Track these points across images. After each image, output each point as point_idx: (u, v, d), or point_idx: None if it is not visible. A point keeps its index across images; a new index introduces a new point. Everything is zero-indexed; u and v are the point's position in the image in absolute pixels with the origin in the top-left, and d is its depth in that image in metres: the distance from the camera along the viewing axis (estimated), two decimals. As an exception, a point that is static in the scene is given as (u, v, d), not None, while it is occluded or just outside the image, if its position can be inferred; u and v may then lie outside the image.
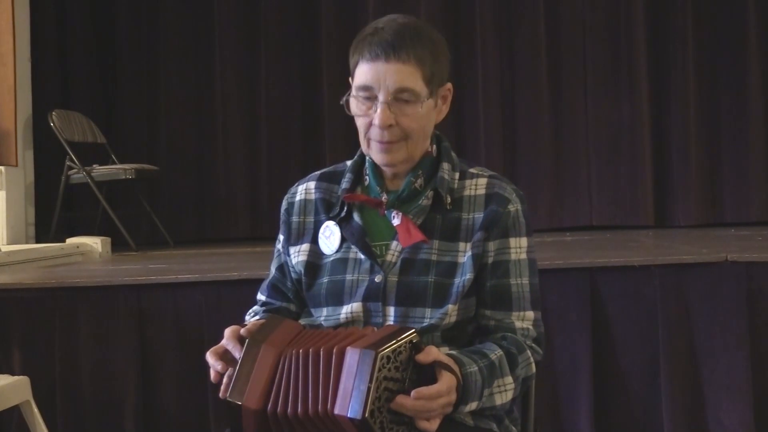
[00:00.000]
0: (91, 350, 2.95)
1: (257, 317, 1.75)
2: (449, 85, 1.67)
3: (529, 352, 1.63)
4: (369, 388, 1.34)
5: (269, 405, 1.43)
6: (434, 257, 1.62)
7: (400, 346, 1.40)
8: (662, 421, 2.87)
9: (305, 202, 1.75)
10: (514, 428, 1.69)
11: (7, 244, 4.65)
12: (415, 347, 1.42)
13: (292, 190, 1.79)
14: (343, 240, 1.67)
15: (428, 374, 1.42)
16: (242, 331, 1.54)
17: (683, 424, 2.86)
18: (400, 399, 1.38)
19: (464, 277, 1.61)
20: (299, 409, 1.40)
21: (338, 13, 5.79)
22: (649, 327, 2.91)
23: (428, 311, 1.60)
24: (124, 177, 4.91)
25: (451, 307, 1.60)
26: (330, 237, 1.69)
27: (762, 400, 2.88)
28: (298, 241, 1.73)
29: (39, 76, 5.23)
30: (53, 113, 4.97)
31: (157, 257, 4.29)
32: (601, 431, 2.91)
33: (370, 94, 1.58)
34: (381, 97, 1.56)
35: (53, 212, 4.99)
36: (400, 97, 1.57)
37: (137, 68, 5.83)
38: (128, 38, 5.83)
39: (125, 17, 5.83)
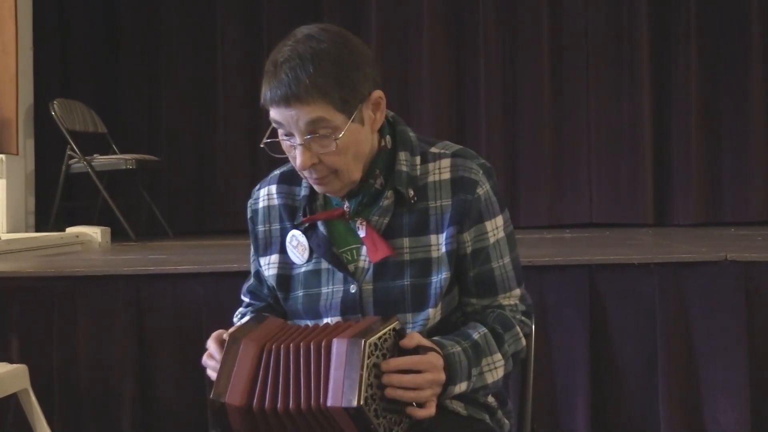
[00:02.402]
0: (89, 340, 2.95)
1: (246, 318, 1.73)
2: (378, 94, 1.53)
3: (517, 328, 1.62)
4: (361, 377, 1.34)
5: (254, 401, 1.42)
6: (407, 257, 1.57)
7: (385, 334, 1.40)
8: (659, 419, 2.87)
9: (268, 208, 1.69)
10: (506, 421, 1.68)
11: (7, 232, 4.65)
12: (399, 334, 1.43)
13: (254, 195, 1.72)
14: (312, 250, 1.62)
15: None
16: (225, 334, 1.52)
17: (680, 423, 2.87)
18: (387, 378, 1.38)
19: (441, 275, 1.56)
20: (290, 404, 1.40)
21: (340, 3, 5.79)
22: (647, 325, 2.91)
23: (409, 315, 1.57)
24: (124, 167, 4.91)
25: (432, 311, 1.57)
26: (297, 247, 1.63)
27: (759, 399, 2.88)
28: (266, 252, 1.68)
29: (41, 64, 5.24)
30: (54, 102, 4.98)
31: (157, 248, 4.30)
32: (597, 428, 2.91)
33: (288, 134, 1.50)
34: (297, 140, 1.48)
35: (53, 201, 5.01)
36: (315, 133, 1.46)
37: (139, 58, 5.84)
38: (130, 29, 5.84)
39: (128, 8, 5.84)
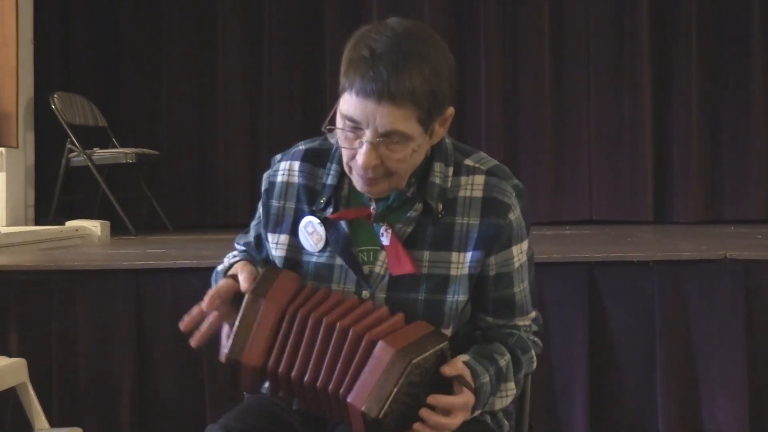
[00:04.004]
0: (88, 334, 2.94)
1: (238, 257, 1.68)
2: (451, 111, 1.47)
3: (533, 351, 1.62)
4: (392, 392, 1.32)
5: (270, 362, 1.41)
6: (425, 270, 1.52)
7: (431, 355, 1.38)
8: (657, 415, 2.88)
9: (287, 185, 1.60)
10: (506, 422, 1.68)
11: (7, 225, 4.65)
12: (442, 357, 1.41)
13: (274, 165, 1.64)
14: (327, 241, 1.54)
15: (445, 382, 1.40)
16: (242, 287, 1.48)
17: (678, 420, 2.87)
18: (425, 413, 1.37)
19: (457, 296, 1.52)
20: (307, 377, 1.38)
21: (341, 2, 5.78)
22: (646, 322, 2.91)
23: None
24: (124, 161, 4.91)
25: (443, 331, 1.53)
26: (312, 234, 1.55)
27: (757, 397, 2.88)
28: (276, 229, 1.60)
29: (41, 58, 5.23)
30: (55, 95, 4.97)
31: (156, 242, 4.29)
32: (596, 426, 2.91)
33: (356, 126, 1.41)
34: (368, 136, 1.40)
35: (53, 195, 5.00)
36: (388, 139, 1.40)
37: (140, 52, 5.82)
38: (132, 22, 5.82)
39: (129, 1, 5.82)
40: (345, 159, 1.48)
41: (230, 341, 1.43)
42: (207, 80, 5.84)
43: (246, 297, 1.45)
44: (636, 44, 5.64)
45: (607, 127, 5.67)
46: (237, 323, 1.43)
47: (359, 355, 1.36)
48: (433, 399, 1.38)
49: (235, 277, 1.52)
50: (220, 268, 1.71)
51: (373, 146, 1.40)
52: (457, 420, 1.40)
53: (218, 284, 1.53)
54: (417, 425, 1.37)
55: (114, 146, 5.22)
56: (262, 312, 1.43)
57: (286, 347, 1.41)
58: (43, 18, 5.27)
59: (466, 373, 1.43)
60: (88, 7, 5.76)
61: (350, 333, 1.37)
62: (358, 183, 1.49)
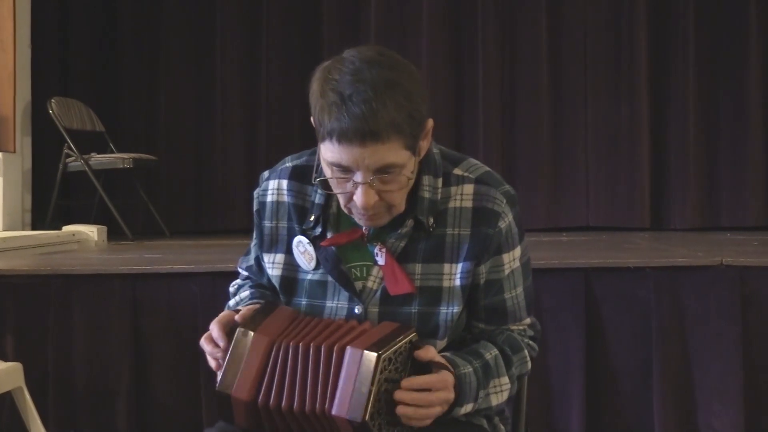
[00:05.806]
0: (84, 338, 2.94)
1: (246, 293, 1.70)
2: (431, 123, 1.47)
3: (525, 351, 1.61)
4: (370, 391, 1.33)
5: (260, 396, 1.42)
6: (417, 283, 1.51)
7: (400, 347, 1.39)
8: (653, 423, 2.88)
9: (277, 204, 1.60)
10: (503, 427, 1.68)
11: (3, 230, 4.65)
12: (415, 346, 1.42)
13: (263, 184, 1.64)
14: (318, 260, 1.55)
15: (425, 373, 1.41)
16: (237, 317, 1.50)
17: (674, 427, 2.87)
18: (399, 394, 1.37)
19: (452, 308, 1.52)
20: (294, 404, 1.39)
21: (340, 6, 5.79)
22: (642, 329, 2.91)
23: None
24: (121, 166, 4.90)
25: (440, 343, 1.53)
26: (304, 254, 1.56)
27: (753, 404, 2.88)
28: (271, 249, 1.61)
29: (39, 62, 5.23)
30: (52, 100, 4.97)
31: (153, 247, 4.29)
32: (592, 431, 2.91)
33: (346, 170, 1.39)
34: (360, 177, 1.38)
35: (50, 199, 5.00)
36: (382, 174, 1.39)
37: (138, 57, 5.83)
38: (130, 27, 5.83)
39: (127, 6, 5.83)
40: (342, 202, 1.47)
41: (220, 375, 1.44)
42: (205, 85, 5.84)
43: (237, 331, 1.46)
44: (633, 52, 5.65)
45: (605, 133, 5.68)
46: (227, 357, 1.45)
47: (333, 368, 1.38)
48: (406, 382, 1.38)
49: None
50: (231, 302, 1.72)
51: (369, 185, 1.39)
52: (438, 395, 1.40)
53: (220, 315, 1.55)
54: (400, 408, 1.37)
55: (111, 151, 5.22)
56: (252, 346, 1.44)
57: (275, 379, 1.42)
58: (40, 23, 5.27)
59: (440, 358, 1.43)
60: (86, 12, 5.77)
61: (323, 349, 1.39)
62: (360, 220, 1.49)
